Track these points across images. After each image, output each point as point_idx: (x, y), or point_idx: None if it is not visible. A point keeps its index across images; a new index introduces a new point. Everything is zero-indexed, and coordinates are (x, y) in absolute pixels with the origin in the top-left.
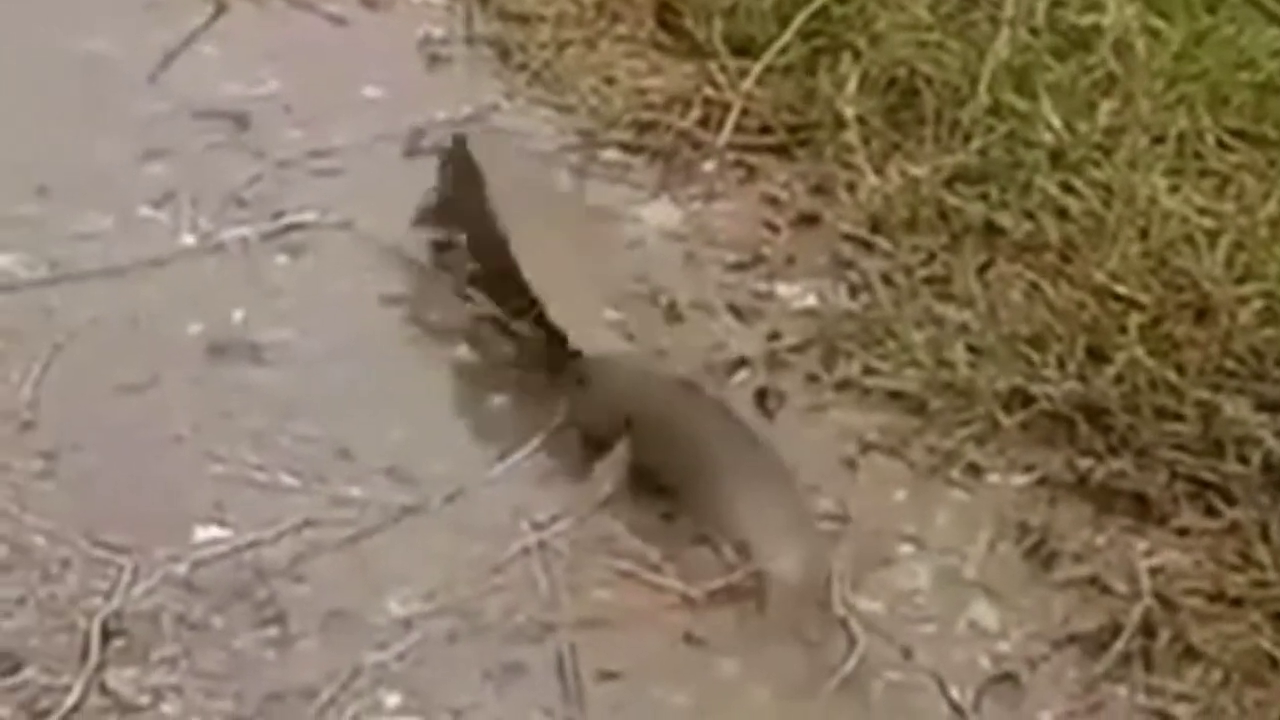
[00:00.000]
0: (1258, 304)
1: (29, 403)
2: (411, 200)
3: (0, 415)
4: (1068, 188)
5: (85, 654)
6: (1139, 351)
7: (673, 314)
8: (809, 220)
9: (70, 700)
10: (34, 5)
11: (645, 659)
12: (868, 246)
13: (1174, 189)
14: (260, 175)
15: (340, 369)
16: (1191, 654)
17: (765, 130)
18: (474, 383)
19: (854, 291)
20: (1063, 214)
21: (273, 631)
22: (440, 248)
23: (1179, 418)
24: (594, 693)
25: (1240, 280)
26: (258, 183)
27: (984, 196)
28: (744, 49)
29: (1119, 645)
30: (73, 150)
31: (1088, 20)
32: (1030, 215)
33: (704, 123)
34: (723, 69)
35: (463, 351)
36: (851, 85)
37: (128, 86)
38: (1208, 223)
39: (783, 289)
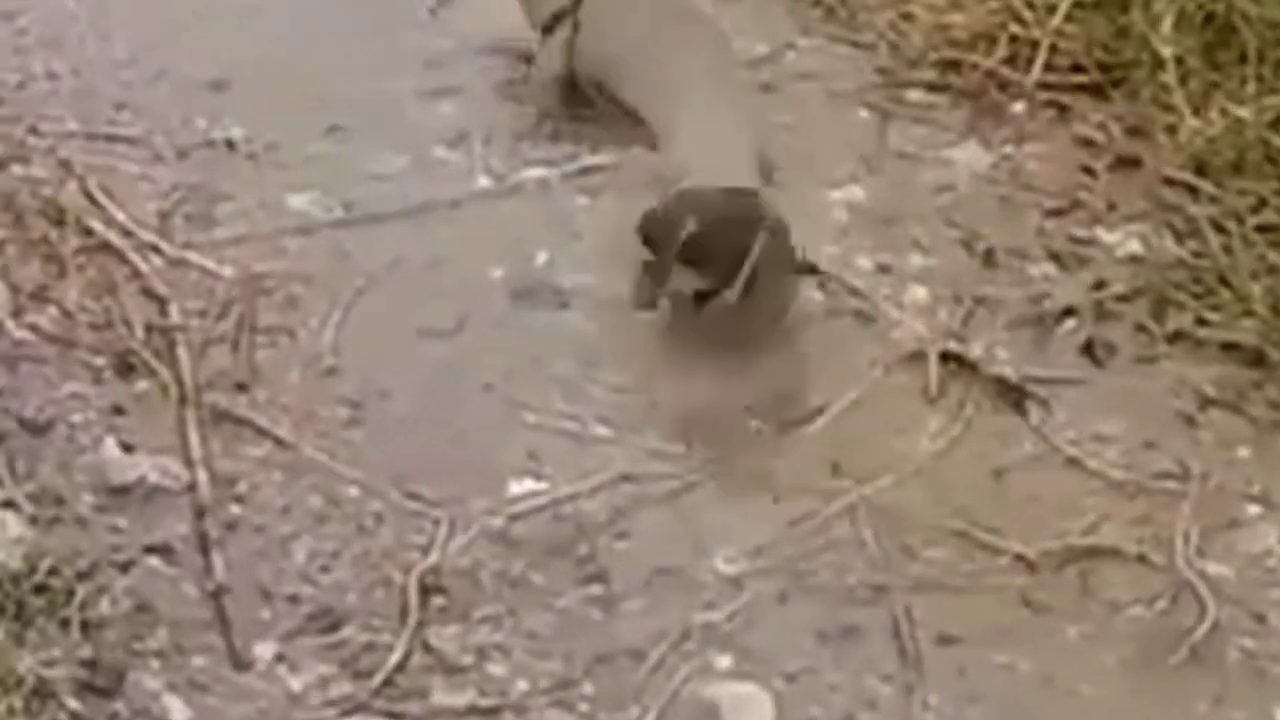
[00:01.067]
0: None
1: (332, 348)
2: None
3: (303, 361)
4: None
5: (404, 611)
6: None
7: (989, 260)
8: (1128, 163)
9: (394, 659)
10: None
11: (983, 623)
12: (1192, 191)
13: None
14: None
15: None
16: None
17: (1076, 69)
18: (785, 332)
19: (1180, 238)
20: None
21: (597, 590)
22: None
23: None
24: (933, 657)
25: None
26: (548, 122)
27: None
28: None
29: None
30: (360, 87)
31: None
32: None
33: (1010, 61)
34: (1029, 5)
35: None
36: (1167, 23)
37: (409, 22)
38: None
39: (1104, 235)
